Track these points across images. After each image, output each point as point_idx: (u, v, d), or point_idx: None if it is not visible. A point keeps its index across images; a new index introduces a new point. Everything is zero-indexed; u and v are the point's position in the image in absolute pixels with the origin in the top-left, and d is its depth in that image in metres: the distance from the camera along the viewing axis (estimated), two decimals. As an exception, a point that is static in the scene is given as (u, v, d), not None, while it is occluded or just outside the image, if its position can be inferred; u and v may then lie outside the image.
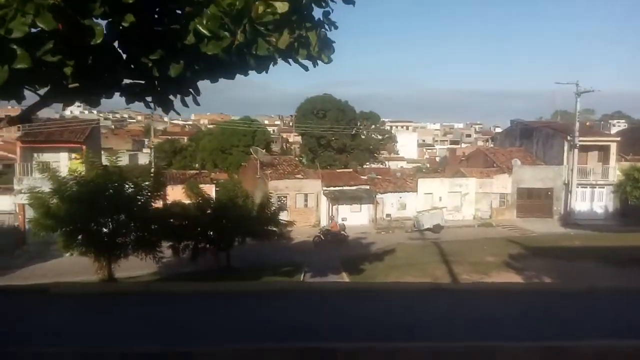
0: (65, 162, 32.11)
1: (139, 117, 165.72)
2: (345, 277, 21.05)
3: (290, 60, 4.36)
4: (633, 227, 31.95)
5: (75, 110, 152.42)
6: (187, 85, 4.41)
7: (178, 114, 5.20)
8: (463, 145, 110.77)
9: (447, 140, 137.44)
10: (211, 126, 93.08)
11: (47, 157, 32.28)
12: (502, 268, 20.27)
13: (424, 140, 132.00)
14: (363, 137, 55.69)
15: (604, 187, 38.75)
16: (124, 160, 61.52)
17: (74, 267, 22.06)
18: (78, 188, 16.73)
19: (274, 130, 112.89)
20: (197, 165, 54.33)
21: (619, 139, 40.62)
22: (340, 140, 52.64)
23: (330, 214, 36.90)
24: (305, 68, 4.64)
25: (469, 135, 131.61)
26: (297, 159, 54.19)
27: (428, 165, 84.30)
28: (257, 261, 25.19)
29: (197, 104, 4.56)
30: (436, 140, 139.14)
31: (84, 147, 32.33)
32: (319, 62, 4.62)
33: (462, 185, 39.57)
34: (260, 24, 3.80)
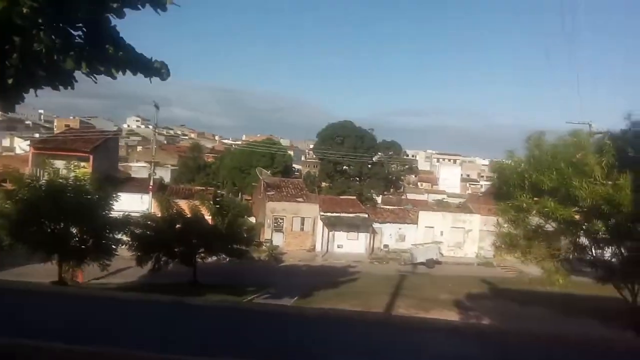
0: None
1: (192, 135, 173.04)
2: (291, 301, 21.07)
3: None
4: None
5: (133, 123, 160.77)
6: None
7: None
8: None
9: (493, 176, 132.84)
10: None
11: (59, 164, 34.65)
12: (447, 306, 19.69)
13: (468, 175, 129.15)
14: (383, 166, 55.47)
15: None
16: (166, 175, 64.45)
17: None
18: (31, 192, 17.93)
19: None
20: (218, 183, 55.81)
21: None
22: (356, 167, 52.70)
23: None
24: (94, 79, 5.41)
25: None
26: (318, 183, 54.64)
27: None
28: (227, 279, 25.56)
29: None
30: (482, 176, 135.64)
31: (91, 156, 34.37)
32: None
33: (465, 222, 38.56)
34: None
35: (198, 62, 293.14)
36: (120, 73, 5.84)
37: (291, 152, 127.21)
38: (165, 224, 23.83)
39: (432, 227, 38.36)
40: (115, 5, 5.38)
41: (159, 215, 26.15)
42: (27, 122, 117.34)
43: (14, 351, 3.86)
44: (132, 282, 24.27)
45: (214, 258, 25.35)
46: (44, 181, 19.32)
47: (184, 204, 26.35)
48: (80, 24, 5.13)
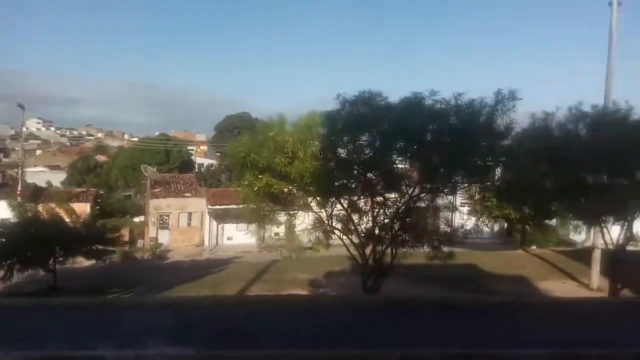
0: None
1: (99, 134, 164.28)
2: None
3: None
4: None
5: (33, 126, 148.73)
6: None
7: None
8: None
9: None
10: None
11: None
12: (301, 285, 20.35)
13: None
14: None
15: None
16: (59, 179, 60.25)
17: None
18: None
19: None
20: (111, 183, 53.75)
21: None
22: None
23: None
24: None
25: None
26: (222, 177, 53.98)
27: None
28: (93, 282, 24.60)
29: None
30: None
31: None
32: None
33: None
34: None
35: (108, 60, 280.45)
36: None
37: (204, 147, 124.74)
38: (19, 229, 22.57)
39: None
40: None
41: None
42: None
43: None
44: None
45: (86, 262, 24.42)
46: None
47: (42, 208, 25.12)
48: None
